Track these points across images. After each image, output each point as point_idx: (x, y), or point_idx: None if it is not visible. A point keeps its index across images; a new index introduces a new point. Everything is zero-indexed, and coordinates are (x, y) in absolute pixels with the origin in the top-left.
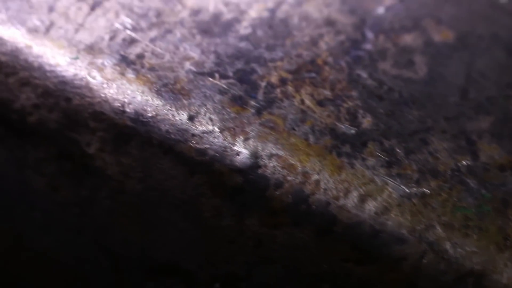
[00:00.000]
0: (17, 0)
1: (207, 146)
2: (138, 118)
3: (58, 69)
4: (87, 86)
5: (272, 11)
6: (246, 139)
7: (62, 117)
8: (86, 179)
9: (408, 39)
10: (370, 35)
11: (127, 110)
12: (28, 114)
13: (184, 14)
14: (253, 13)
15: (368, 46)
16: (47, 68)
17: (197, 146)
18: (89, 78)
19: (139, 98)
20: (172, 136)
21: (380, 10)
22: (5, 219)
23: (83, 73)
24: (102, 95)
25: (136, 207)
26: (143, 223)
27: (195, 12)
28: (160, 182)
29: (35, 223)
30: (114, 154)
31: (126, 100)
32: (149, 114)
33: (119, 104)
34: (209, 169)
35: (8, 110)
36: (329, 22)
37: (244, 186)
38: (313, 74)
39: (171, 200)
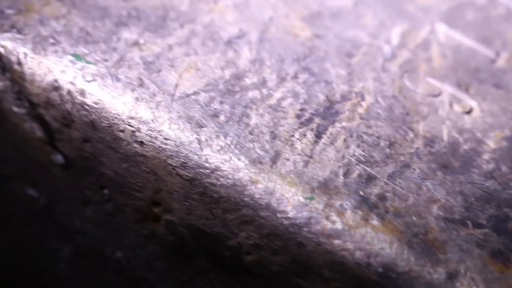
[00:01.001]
0: (235, 123)
1: None
2: (387, 274)
3: (290, 209)
4: (325, 233)
5: (511, 139)
6: None
7: (289, 262)
8: None
9: None
10: None
11: (373, 263)
12: (245, 253)
13: (418, 143)
14: (491, 142)
15: None
16: (276, 207)
17: None
18: (327, 223)
19: (387, 250)
20: None
21: None
22: None
23: (320, 216)
24: (343, 244)
25: None
26: None
27: (429, 141)
28: None
29: None
30: None
31: (372, 251)
32: (400, 270)
33: (363, 255)
34: None
35: (220, 245)
36: None
37: None
38: None
39: None
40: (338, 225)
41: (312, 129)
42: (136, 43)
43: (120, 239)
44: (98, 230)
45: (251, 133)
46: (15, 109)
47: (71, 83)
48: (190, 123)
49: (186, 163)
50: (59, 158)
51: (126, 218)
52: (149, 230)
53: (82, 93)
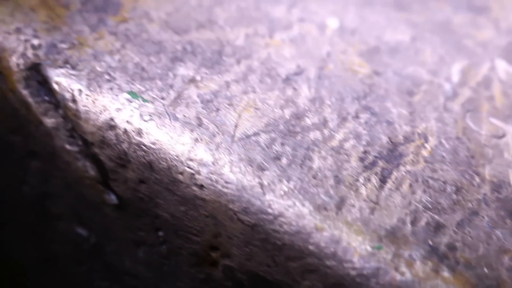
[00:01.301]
0: (298, 167)
1: None
2: None
3: (357, 259)
4: (394, 284)
5: None
6: None
7: None
8: None
9: None
10: None
11: None
12: None
13: (485, 189)
14: None
15: None
16: (343, 256)
17: None
18: (396, 274)
19: None
20: None
21: None
22: None
23: (388, 267)
24: None
25: None
26: None
27: (496, 186)
28: None
29: None
30: None
31: None
32: None
33: None
34: None
35: None
36: None
37: None
38: None
39: None
40: (408, 277)
41: (376, 173)
42: (192, 80)
43: (173, 282)
44: (150, 272)
45: (314, 177)
46: (68, 146)
47: (128, 122)
48: (251, 166)
49: (248, 208)
50: (112, 198)
51: (181, 261)
52: (205, 275)
53: (139, 132)
